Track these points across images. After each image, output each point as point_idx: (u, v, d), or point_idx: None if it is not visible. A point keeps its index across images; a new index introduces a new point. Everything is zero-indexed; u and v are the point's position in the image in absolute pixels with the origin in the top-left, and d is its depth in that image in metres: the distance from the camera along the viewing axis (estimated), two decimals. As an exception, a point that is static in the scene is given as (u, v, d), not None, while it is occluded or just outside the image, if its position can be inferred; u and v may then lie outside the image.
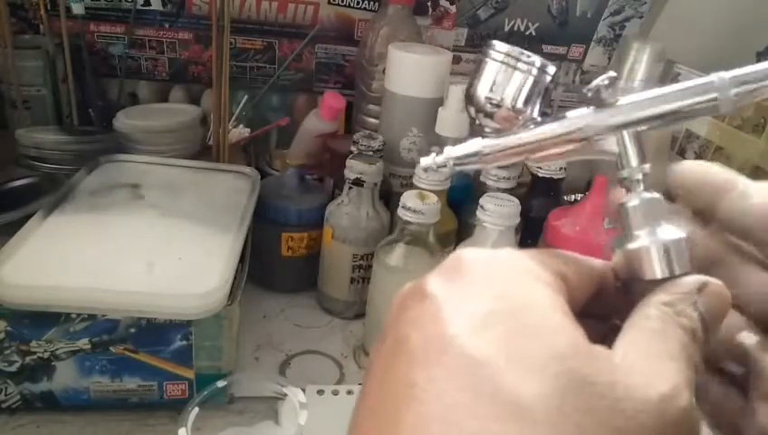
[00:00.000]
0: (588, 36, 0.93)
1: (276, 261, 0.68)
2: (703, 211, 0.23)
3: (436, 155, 0.24)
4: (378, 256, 0.59)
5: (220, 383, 0.43)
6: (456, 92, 0.66)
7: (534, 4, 0.89)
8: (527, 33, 0.91)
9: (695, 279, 0.20)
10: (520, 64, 0.23)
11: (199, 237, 0.54)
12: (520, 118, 0.23)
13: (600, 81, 0.22)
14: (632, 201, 0.22)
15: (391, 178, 0.71)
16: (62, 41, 0.72)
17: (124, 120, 0.71)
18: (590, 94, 0.23)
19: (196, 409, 0.41)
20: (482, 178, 0.66)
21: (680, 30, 0.90)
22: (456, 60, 0.91)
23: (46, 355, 0.47)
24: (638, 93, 0.23)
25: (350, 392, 0.56)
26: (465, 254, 0.20)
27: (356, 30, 0.86)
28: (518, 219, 0.58)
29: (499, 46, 0.23)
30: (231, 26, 0.65)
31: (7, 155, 0.66)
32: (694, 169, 0.23)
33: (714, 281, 0.20)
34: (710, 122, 0.77)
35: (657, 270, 0.21)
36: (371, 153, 0.65)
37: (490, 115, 0.24)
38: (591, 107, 0.23)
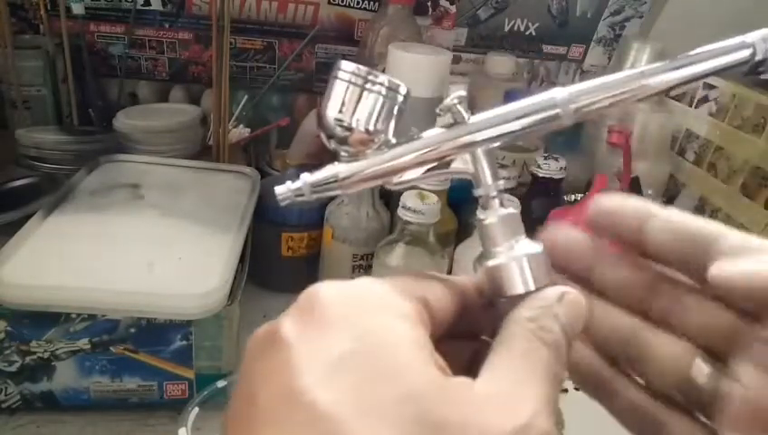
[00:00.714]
0: (588, 36, 0.93)
1: (276, 261, 0.68)
2: (626, 238, 0.23)
3: (292, 182, 0.23)
4: (378, 256, 0.59)
5: (220, 383, 0.43)
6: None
7: (534, 4, 0.89)
8: (527, 33, 0.91)
9: (554, 291, 0.20)
10: (368, 85, 0.22)
11: (199, 237, 0.54)
12: (374, 140, 0.23)
13: (450, 100, 0.22)
14: (489, 218, 0.22)
15: (391, 178, 0.71)
16: (62, 41, 0.72)
17: (124, 120, 0.71)
18: (441, 114, 0.23)
19: (196, 409, 0.41)
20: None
21: (680, 30, 0.90)
22: (456, 60, 0.91)
23: (46, 355, 0.47)
24: (486, 111, 0.23)
25: (350, 392, 0.56)
26: (320, 291, 0.19)
27: (356, 30, 0.86)
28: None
29: (345, 66, 0.22)
30: (231, 26, 0.65)
31: (7, 155, 0.66)
32: (615, 199, 0.23)
33: (571, 290, 0.20)
34: (710, 122, 0.77)
35: (517, 285, 0.21)
36: (371, 153, 0.65)
37: (342, 140, 0.23)
38: (444, 127, 0.23)
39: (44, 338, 0.47)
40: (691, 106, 0.81)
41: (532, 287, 0.21)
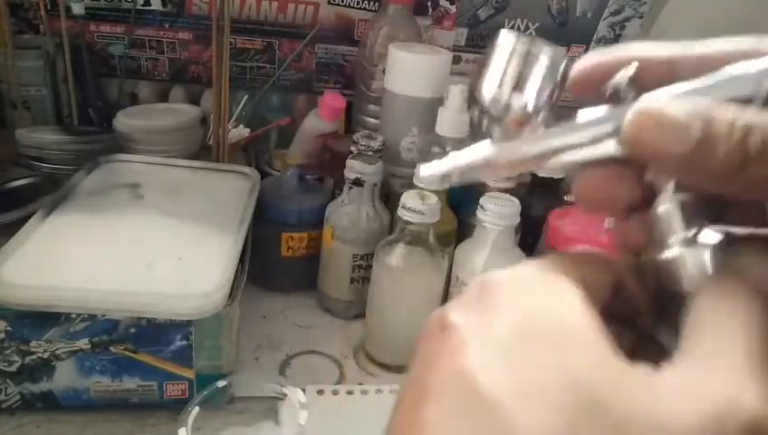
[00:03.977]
0: (588, 36, 0.93)
1: (276, 261, 0.68)
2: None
3: (439, 160, 0.22)
4: (378, 256, 0.59)
5: (220, 383, 0.43)
6: (456, 92, 0.66)
7: (534, 4, 0.89)
8: (527, 33, 0.91)
9: (737, 266, 0.18)
10: (530, 58, 0.20)
11: (199, 237, 0.54)
12: (533, 119, 0.20)
13: (620, 77, 0.20)
14: (663, 204, 0.19)
15: (391, 178, 0.71)
16: (62, 41, 0.72)
17: (124, 120, 0.71)
18: (609, 92, 0.20)
19: (197, 409, 0.41)
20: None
21: (680, 30, 0.90)
22: (456, 60, 0.91)
23: (46, 355, 0.47)
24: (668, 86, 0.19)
25: (350, 392, 0.56)
26: (488, 278, 0.19)
27: (356, 30, 0.86)
28: (518, 219, 0.58)
29: (505, 37, 0.20)
30: (231, 26, 0.65)
31: (7, 155, 0.66)
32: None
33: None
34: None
35: (696, 282, 0.18)
36: (371, 153, 0.65)
37: (498, 119, 0.21)
38: (610, 105, 0.20)
39: (44, 338, 0.47)
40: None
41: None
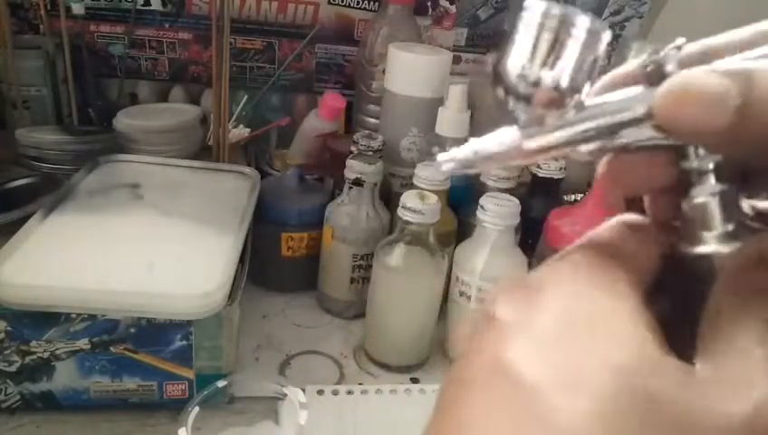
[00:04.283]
0: (588, 36, 0.93)
1: (276, 261, 0.68)
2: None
3: (457, 148, 0.20)
4: (378, 256, 0.59)
5: (220, 383, 0.43)
6: (456, 92, 0.66)
7: (534, 4, 0.89)
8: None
9: (754, 250, 0.17)
10: (564, 29, 0.18)
11: (199, 237, 0.54)
12: (566, 100, 0.18)
13: (668, 49, 0.18)
14: (701, 196, 0.18)
15: (391, 178, 0.71)
16: (62, 41, 0.72)
17: (124, 120, 0.71)
18: (650, 69, 0.18)
19: (197, 409, 0.41)
20: (482, 178, 0.66)
21: (680, 30, 0.90)
22: (456, 60, 0.91)
23: (46, 355, 0.47)
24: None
25: (350, 392, 0.56)
26: (536, 274, 0.19)
27: (356, 30, 0.86)
28: (518, 219, 0.58)
29: (534, 5, 0.18)
30: (231, 26, 0.65)
31: (7, 155, 0.66)
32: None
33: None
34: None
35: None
36: (371, 153, 0.65)
37: (525, 98, 0.18)
38: (647, 85, 0.18)
39: (44, 338, 0.47)
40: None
41: None
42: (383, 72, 0.72)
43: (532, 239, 0.66)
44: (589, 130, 0.18)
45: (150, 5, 0.80)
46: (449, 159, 0.20)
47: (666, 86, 0.17)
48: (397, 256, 0.58)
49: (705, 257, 0.18)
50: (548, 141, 0.19)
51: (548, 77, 0.18)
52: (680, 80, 0.17)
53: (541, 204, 0.67)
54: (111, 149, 0.67)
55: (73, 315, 0.46)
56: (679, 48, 0.18)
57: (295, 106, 0.90)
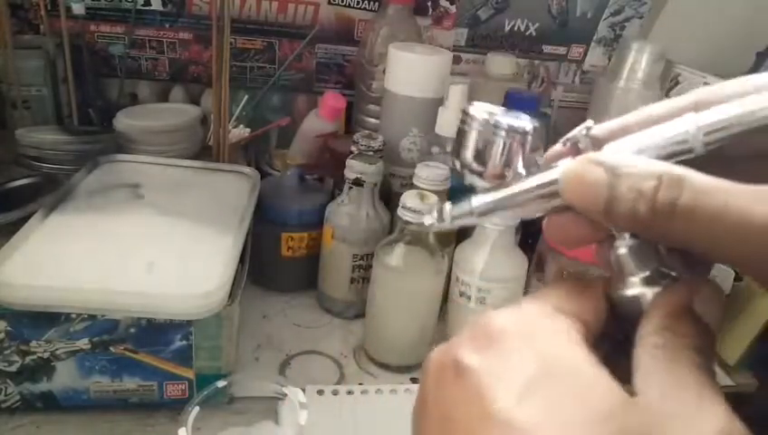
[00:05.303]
0: (588, 36, 0.93)
1: (276, 261, 0.68)
2: None
3: (437, 214, 0.27)
4: (378, 256, 0.59)
5: (220, 383, 0.43)
6: (456, 92, 0.66)
7: (534, 4, 0.89)
8: (527, 33, 0.91)
9: (683, 290, 0.20)
10: (494, 130, 0.25)
11: (199, 237, 0.54)
12: (506, 174, 0.25)
13: (579, 130, 0.23)
14: (621, 248, 0.22)
15: (391, 178, 0.71)
16: (63, 41, 0.72)
17: (124, 120, 0.71)
18: (567, 145, 0.24)
19: (197, 409, 0.41)
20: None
21: (680, 30, 0.90)
22: (456, 60, 0.91)
23: (46, 355, 0.47)
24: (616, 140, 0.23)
25: (350, 392, 0.56)
26: (491, 320, 0.21)
27: (356, 30, 0.86)
28: (518, 219, 0.58)
29: (477, 115, 0.25)
30: (231, 26, 0.65)
31: (7, 155, 0.66)
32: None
33: (703, 283, 0.21)
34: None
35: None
36: (371, 153, 0.65)
37: (478, 173, 0.26)
38: (570, 157, 0.23)
39: (44, 338, 0.47)
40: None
41: None
42: (383, 72, 0.72)
43: (532, 239, 0.66)
44: (523, 190, 0.24)
45: (150, 5, 0.80)
46: (431, 220, 0.27)
47: (563, 169, 0.21)
48: (397, 256, 0.58)
49: (635, 300, 0.21)
50: (497, 199, 0.25)
51: (492, 162, 0.25)
52: (570, 167, 0.21)
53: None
54: (111, 149, 0.67)
55: (73, 315, 0.46)
56: (588, 129, 0.23)
57: (295, 106, 0.90)
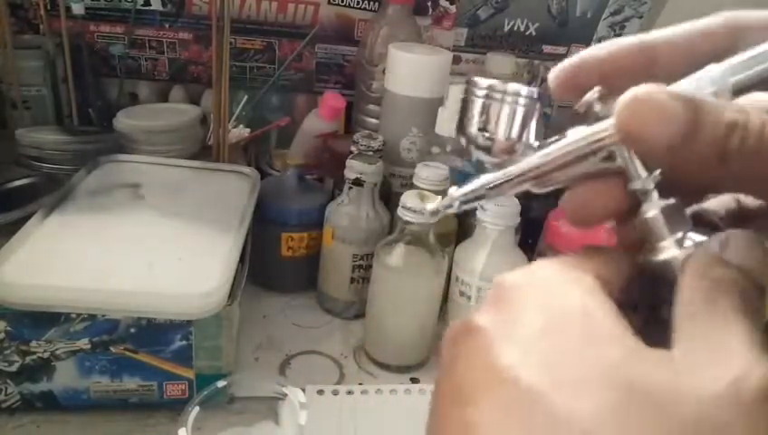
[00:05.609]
0: (588, 36, 0.93)
1: (276, 261, 0.68)
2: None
3: (442, 198, 0.25)
4: (378, 256, 0.59)
5: (220, 383, 0.43)
6: (456, 92, 0.66)
7: (534, 4, 0.89)
8: (527, 33, 0.91)
9: (713, 241, 0.19)
10: (500, 96, 0.24)
11: (199, 237, 0.54)
12: (517, 147, 0.23)
13: (590, 96, 0.22)
14: (650, 211, 0.21)
15: (391, 178, 0.71)
16: (62, 41, 0.72)
17: (124, 120, 0.71)
18: (581, 111, 0.23)
19: (197, 409, 0.41)
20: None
21: (680, 30, 0.90)
22: (456, 60, 0.91)
23: (46, 355, 0.47)
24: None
25: (350, 392, 0.56)
26: (506, 280, 0.20)
27: (356, 30, 0.86)
28: (518, 219, 0.58)
29: (481, 82, 0.24)
30: (231, 26, 0.65)
31: (7, 155, 0.66)
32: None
33: (731, 232, 0.19)
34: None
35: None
36: (371, 153, 0.65)
37: (485, 148, 0.24)
38: (585, 124, 0.22)
39: (44, 338, 0.47)
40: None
41: None
42: (383, 72, 0.72)
43: (532, 239, 0.66)
44: (542, 162, 0.23)
45: (150, 5, 0.80)
46: (437, 207, 0.26)
47: (628, 94, 0.19)
48: (397, 256, 0.58)
49: (667, 264, 0.20)
50: (511, 175, 0.24)
51: (500, 133, 0.24)
52: (639, 90, 0.19)
53: (541, 204, 0.67)
54: (111, 149, 0.67)
55: (73, 315, 0.46)
56: (600, 92, 0.22)
57: (295, 106, 0.90)
